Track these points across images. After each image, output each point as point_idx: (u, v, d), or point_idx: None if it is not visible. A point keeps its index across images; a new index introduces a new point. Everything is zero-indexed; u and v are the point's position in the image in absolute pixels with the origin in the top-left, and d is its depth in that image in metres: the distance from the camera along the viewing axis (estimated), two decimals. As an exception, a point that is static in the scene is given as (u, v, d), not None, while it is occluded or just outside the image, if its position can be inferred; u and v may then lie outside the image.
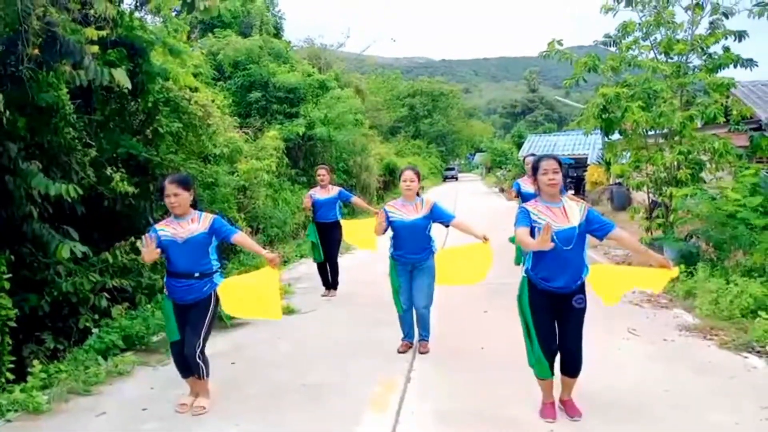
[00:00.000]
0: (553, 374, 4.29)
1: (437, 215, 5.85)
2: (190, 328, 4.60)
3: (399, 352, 5.99)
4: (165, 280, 4.71)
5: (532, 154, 8.65)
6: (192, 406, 4.72)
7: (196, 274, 4.59)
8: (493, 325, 6.87)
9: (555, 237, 4.02)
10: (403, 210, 5.84)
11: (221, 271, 4.80)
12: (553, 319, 4.21)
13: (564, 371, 4.29)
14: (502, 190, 8.99)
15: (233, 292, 4.77)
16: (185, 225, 4.61)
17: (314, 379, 5.37)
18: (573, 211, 4.16)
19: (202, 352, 4.64)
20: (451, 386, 5.15)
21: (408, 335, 6.12)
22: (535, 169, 4.22)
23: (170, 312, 4.68)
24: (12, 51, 5.45)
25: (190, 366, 4.66)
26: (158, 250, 4.54)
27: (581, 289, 4.19)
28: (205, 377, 4.72)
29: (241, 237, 4.81)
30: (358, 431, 4.31)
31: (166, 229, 4.63)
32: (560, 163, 4.16)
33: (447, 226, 5.92)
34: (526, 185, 8.04)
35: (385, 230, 5.89)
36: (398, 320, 6.14)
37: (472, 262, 5.79)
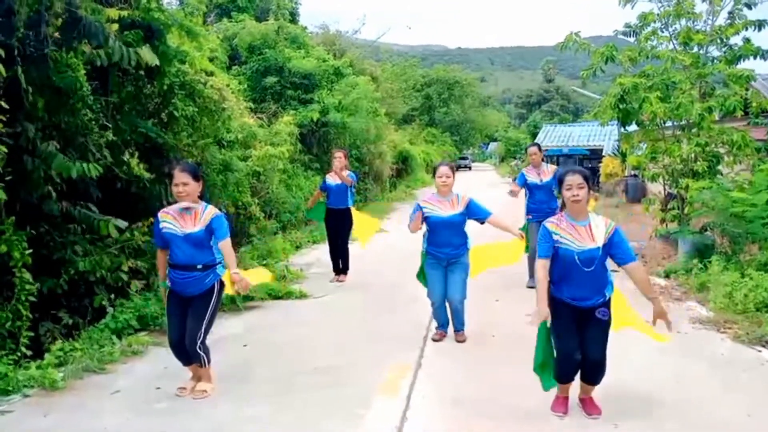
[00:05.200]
0: (572, 380, 4.24)
1: (473, 211, 5.82)
2: (192, 319, 4.58)
3: (433, 340, 6.00)
4: (168, 271, 4.67)
5: (535, 144, 8.54)
6: (194, 390, 4.71)
7: (199, 266, 4.56)
8: (504, 313, 6.88)
9: (576, 257, 3.98)
10: (439, 205, 5.80)
11: (224, 262, 4.71)
12: (576, 328, 4.11)
13: (585, 379, 4.21)
14: (514, 180, 8.95)
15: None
16: (187, 219, 4.56)
17: (326, 363, 5.41)
18: (599, 231, 4.04)
19: (203, 342, 4.62)
20: (461, 373, 5.18)
21: (442, 325, 6.11)
22: (560, 182, 4.10)
23: (172, 306, 4.67)
24: (33, 31, 5.48)
25: (190, 356, 4.65)
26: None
27: (606, 303, 4.11)
28: (206, 365, 4.70)
29: (225, 245, 4.62)
30: (369, 415, 4.34)
31: (168, 221, 4.59)
32: (586, 178, 4.05)
33: (482, 222, 5.88)
34: (532, 176, 7.99)
35: (420, 227, 5.88)
36: (431, 313, 6.15)
37: (504, 252, 5.96)
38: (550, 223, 4.14)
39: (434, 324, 6.19)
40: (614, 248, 4.06)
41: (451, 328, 6.10)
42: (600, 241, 4.01)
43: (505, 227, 5.86)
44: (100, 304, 6.28)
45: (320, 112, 16.08)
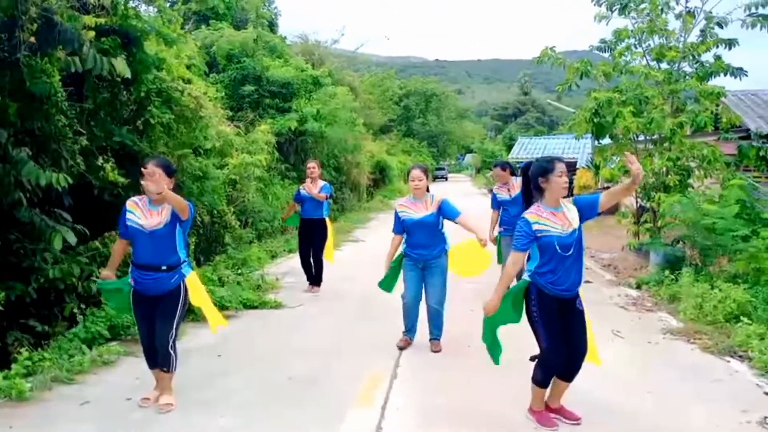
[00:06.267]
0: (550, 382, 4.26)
1: (444, 211, 5.95)
2: (162, 321, 4.50)
3: (398, 348, 6.02)
4: (131, 270, 4.57)
5: (498, 164, 8.57)
6: (159, 405, 4.58)
7: (164, 267, 4.47)
8: (479, 324, 6.88)
9: (559, 243, 4.03)
10: (414, 208, 5.97)
11: (189, 261, 4.67)
12: (563, 324, 4.14)
13: (566, 375, 4.21)
14: (490, 191, 9.08)
15: (198, 287, 4.72)
16: (154, 214, 4.46)
17: (300, 373, 5.38)
18: (572, 213, 4.12)
19: (174, 343, 4.55)
20: (436, 383, 5.19)
21: (410, 330, 6.15)
22: (547, 170, 4.11)
23: (138, 309, 4.59)
24: (7, 36, 5.40)
25: (159, 357, 4.56)
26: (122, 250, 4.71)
27: (579, 293, 4.21)
28: (172, 370, 4.61)
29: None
30: (344, 426, 4.33)
31: (135, 212, 4.49)
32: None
33: (455, 222, 5.99)
34: (502, 192, 8.07)
35: (403, 231, 6.02)
36: (402, 313, 6.14)
37: (476, 256, 6.01)
38: (530, 214, 4.13)
39: (436, 336, 6.12)
40: (584, 208, 4.14)
41: (426, 337, 6.11)
42: (576, 222, 4.09)
43: (471, 228, 5.94)
44: (70, 312, 6.17)
45: (298, 121, 16.07)
